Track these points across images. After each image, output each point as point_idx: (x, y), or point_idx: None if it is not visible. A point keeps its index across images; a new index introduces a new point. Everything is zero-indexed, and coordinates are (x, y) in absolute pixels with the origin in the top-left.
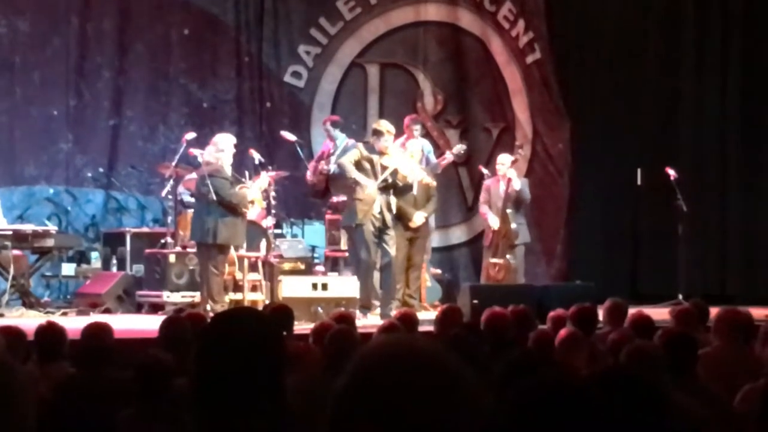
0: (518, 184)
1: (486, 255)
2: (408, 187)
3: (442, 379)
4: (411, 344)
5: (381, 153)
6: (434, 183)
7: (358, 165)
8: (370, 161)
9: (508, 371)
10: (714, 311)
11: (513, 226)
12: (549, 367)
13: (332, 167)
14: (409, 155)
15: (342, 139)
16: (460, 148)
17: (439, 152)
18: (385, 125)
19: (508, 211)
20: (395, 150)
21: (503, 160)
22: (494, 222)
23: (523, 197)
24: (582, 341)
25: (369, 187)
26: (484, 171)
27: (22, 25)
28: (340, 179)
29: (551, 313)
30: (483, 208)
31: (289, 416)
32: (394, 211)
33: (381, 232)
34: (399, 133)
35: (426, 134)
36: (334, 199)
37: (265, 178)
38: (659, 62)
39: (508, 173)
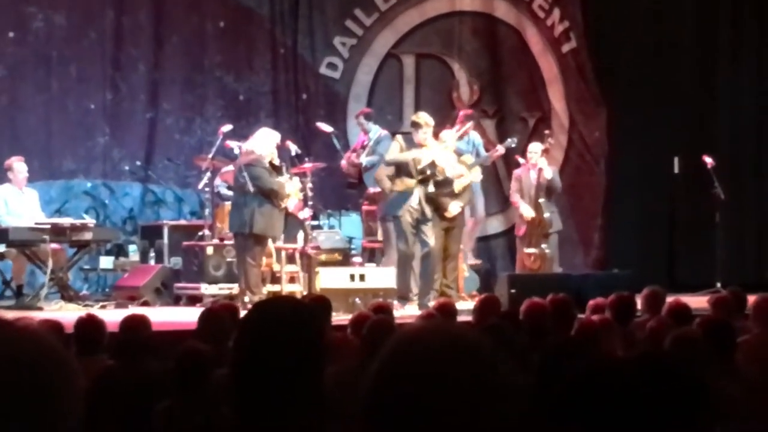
0: (549, 172)
1: (520, 245)
2: (447, 182)
3: (476, 366)
4: (445, 330)
5: (420, 145)
6: (470, 180)
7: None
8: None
9: (547, 359)
10: (752, 299)
11: (546, 215)
12: (591, 354)
13: (364, 160)
14: (445, 147)
15: (375, 130)
16: (510, 141)
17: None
18: (424, 117)
19: (541, 200)
20: (433, 142)
21: (534, 148)
22: (527, 211)
23: (555, 186)
24: (615, 329)
25: (426, 155)
26: (521, 161)
27: (59, 19)
28: (374, 171)
29: (591, 302)
30: (515, 197)
31: (327, 407)
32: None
33: (419, 223)
34: (435, 123)
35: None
36: (371, 190)
37: (297, 182)
38: (696, 49)
39: (539, 162)
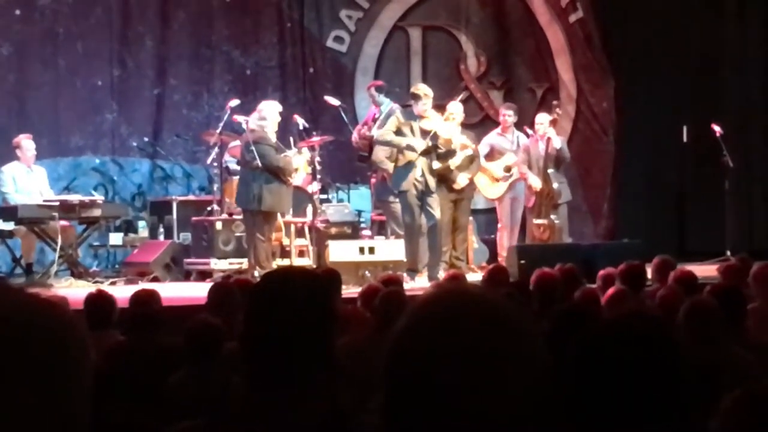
0: (558, 143)
1: (529, 216)
2: (451, 151)
3: (502, 328)
4: (472, 292)
5: (420, 117)
6: (474, 145)
7: (398, 132)
8: (410, 126)
9: (557, 326)
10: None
11: (555, 185)
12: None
13: (375, 133)
14: (447, 116)
15: (387, 104)
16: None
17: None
18: (423, 89)
19: (549, 170)
20: (434, 113)
21: (541, 119)
22: (536, 183)
23: (563, 156)
24: (630, 298)
25: (417, 147)
26: (529, 132)
27: None
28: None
29: (601, 272)
30: (523, 169)
31: (338, 377)
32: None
33: (424, 195)
34: (443, 95)
35: (469, 96)
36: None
37: (306, 153)
38: (702, 18)
39: (547, 132)
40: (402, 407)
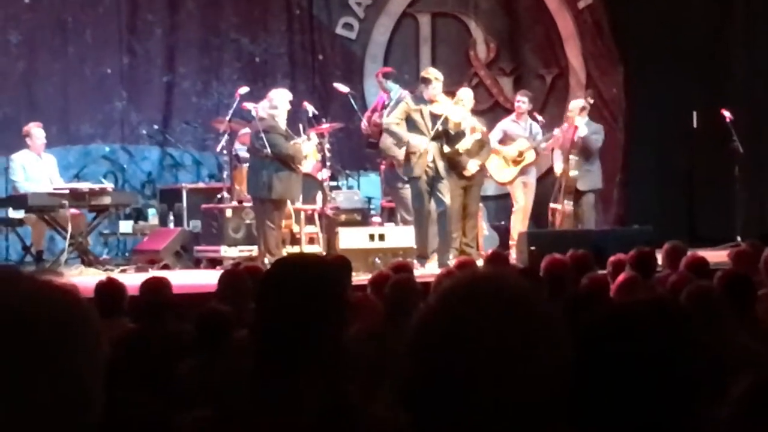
0: (584, 131)
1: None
2: (461, 134)
3: (530, 312)
4: (499, 277)
5: (430, 101)
6: (485, 129)
7: (408, 118)
8: (420, 112)
9: (566, 311)
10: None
11: (574, 173)
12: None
13: (384, 120)
14: (456, 101)
15: (396, 90)
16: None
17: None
18: (433, 72)
19: (572, 157)
20: (444, 98)
21: (572, 106)
22: (557, 166)
23: (588, 144)
24: (641, 285)
25: (422, 143)
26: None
27: None
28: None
29: (612, 258)
30: (555, 154)
31: (347, 364)
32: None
33: (434, 181)
34: (452, 82)
35: (479, 83)
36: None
37: (315, 138)
38: (711, 3)
39: (576, 120)
40: (425, 390)
